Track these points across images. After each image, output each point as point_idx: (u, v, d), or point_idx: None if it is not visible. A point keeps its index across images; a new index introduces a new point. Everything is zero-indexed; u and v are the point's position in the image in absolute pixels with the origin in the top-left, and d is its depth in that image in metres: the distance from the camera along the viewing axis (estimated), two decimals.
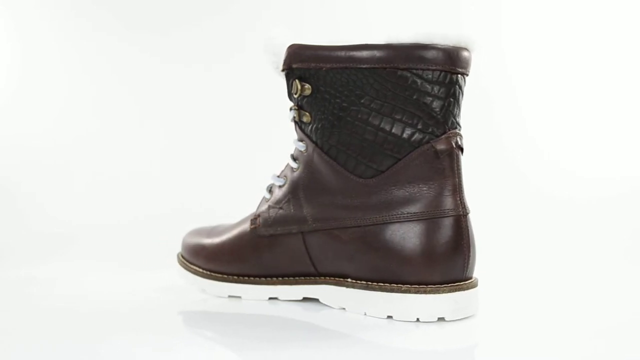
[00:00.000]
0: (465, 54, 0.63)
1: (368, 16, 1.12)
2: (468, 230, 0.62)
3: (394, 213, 0.62)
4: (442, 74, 0.62)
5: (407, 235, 0.61)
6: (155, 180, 1.17)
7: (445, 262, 0.61)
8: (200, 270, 0.73)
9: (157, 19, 1.24)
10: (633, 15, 1.19)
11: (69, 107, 1.23)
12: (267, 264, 0.70)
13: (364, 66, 0.62)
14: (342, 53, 0.62)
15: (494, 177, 1.15)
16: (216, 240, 0.74)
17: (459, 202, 0.62)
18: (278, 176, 0.71)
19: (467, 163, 1.18)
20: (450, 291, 0.61)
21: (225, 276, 0.72)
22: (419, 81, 0.61)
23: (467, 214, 0.63)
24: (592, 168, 1.18)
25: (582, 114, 1.21)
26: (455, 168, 0.63)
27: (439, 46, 0.61)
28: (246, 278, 0.71)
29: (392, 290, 0.62)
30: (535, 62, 1.22)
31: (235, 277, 0.71)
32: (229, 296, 0.72)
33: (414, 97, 0.61)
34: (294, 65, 0.65)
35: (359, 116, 0.63)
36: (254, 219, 0.71)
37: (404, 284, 0.61)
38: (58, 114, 1.22)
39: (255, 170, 0.90)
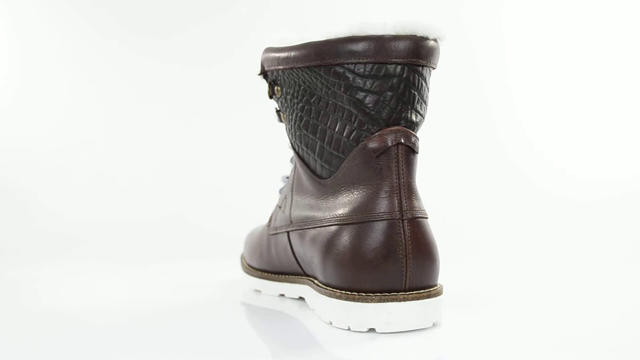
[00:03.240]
0: (409, 42, 0.57)
1: (369, 15, 1.02)
2: (407, 236, 0.57)
3: (336, 215, 0.60)
4: (376, 66, 0.57)
5: (342, 239, 0.59)
6: (158, 181, 1.18)
7: (375, 269, 0.57)
8: (245, 264, 0.79)
9: (159, 21, 1.24)
10: (633, 13, 1.14)
11: (71, 109, 1.24)
12: (274, 262, 0.72)
13: (306, 65, 0.60)
14: (290, 53, 0.62)
15: (492, 177, 1.12)
16: (253, 237, 0.78)
17: (398, 205, 0.57)
18: (287, 177, 0.73)
19: (466, 163, 1.08)
20: (380, 301, 0.57)
21: (254, 271, 0.76)
22: (350, 76, 0.58)
23: (414, 218, 0.57)
24: (592, 169, 1.13)
25: (581, 115, 1.16)
26: (395, 168, 0.58)
27: (370, 37, 0.57)
28: (265, 274, 0.74)
29: (330, 296, 0.60)
30: (534, 61, 1.18)
31: (260, 272, 0.75)
32: (255, 290, 0.76)
33: (348, 93, 0.58)
34: (266, 68, 0.66)
35: (312, 115, 0.62)
36: (270, 217, 0.74)
37: (339, 289, 0.59)
38: (61, 116, 1.23)
39: (256, 169, 0.90)
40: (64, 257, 0.98)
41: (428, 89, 0.61)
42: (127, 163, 1.20)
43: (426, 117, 0.62)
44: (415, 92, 0.59)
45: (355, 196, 0.59)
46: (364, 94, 0.58)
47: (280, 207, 0.71)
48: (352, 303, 0.57)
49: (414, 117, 0.59)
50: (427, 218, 0.59)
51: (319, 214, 0.62)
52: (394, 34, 0.58)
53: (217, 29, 1.23)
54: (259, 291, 0.75)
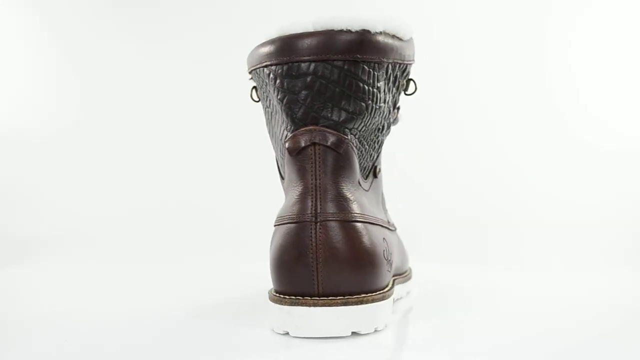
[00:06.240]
0: (319, 38, 0.55)
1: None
2: (319, 239, 0.55)
3: (277, 216, 0.60)
4: (292, 65, 0.56)
5: (273, 240, 0.59)
6: (158, 181, 1.14)
7: (289, 272, 0.56)
8: None
9: (159, 20, 1.20)
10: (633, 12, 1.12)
11: (52, 103, 1.21)
12: None
13: (251, 68, 0.62)
14: (250, 57, 0.63)
15: (493, 178, 1.10)
16: None
17: (311, 207, 0.56)
18: None
19: (466, 163, 1.10)
20: (292, 304, 0.55)
21: None
22: (274, 77, 0.58)
23: (331, 220, 0.55)
24: (592, 169, 1.10)
25: (579, 115, 1.13)
26: (311, 169, 0.56)
27: (279, 38, 0.57)
28: None
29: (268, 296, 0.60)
30: (535, 60, 1.15)
31: None
32: None
33: (275, 93, 0.58)
34: (249, 71, 0.68)
35: (268, 117, 0.63)
36: None
37: (272, 290, 0.59)
38: (69, 114, 1.21)
39: (253, 164, 0.85)
40: (64, 257, 1.02)
41: (367, 83, 0.57)
42: (129, 162, 1.19)
43: (366, 114, 0.58)
44: (338, 89, 0.56)
45: (288, 197, 0.59)
46: (283, 94, 0.57)
47: None
48: (272, 304, 0.57)
49: (337, 116, 0.56)
50: (353, 221, 0.56)
51: (278, 214, 0.63)
52: (310, 31, 0.56)
53: (217, 28, 1.21)
54: None
